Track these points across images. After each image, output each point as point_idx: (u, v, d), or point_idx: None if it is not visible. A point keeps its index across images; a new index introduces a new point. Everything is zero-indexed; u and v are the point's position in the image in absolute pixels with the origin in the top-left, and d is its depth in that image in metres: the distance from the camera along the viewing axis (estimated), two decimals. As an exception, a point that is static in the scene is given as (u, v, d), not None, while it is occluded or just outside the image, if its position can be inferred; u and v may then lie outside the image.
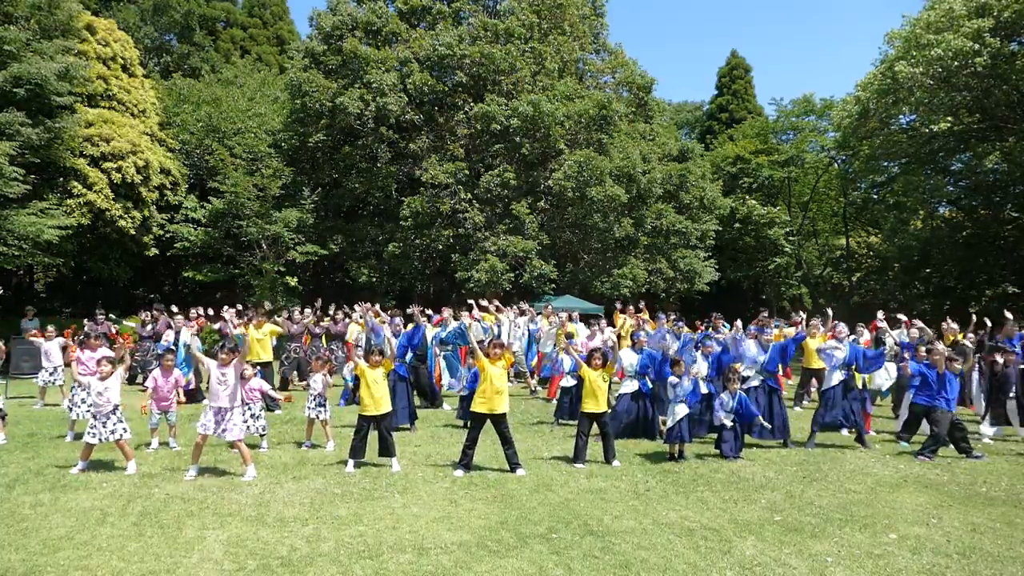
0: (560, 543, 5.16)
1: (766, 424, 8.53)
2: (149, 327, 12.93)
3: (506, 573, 4.62)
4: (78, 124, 16.61)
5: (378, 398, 7.28)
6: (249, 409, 8.00)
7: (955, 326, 12.96)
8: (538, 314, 15.77)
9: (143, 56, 26.54)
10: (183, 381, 8.43)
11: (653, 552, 5.04)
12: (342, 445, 8.37)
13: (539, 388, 13.50)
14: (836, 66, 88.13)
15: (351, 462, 7.23)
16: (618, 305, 14.38)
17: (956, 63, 19.28)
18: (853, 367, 9.21)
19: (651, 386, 9.64)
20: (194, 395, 11.22)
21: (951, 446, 8.94)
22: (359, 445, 7.24)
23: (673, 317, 12.74)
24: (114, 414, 6.95)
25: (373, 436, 7.33)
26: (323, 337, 13.84)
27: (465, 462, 7.17)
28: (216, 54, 32.86)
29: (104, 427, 6.88)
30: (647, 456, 8.22)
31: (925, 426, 9.12)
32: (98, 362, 7.20)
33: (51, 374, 10.53)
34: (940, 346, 9.56)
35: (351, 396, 11.00)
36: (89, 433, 6.89)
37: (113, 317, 14.55)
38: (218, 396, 6.90)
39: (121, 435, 6.94)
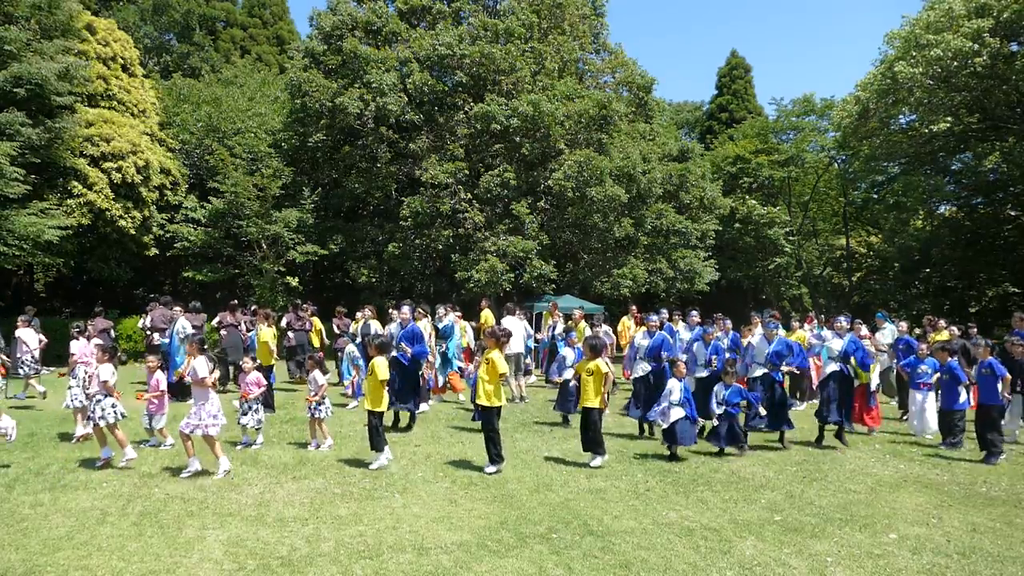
0: (560, 543, 5.17)
1: (755, 413, 8.55)
2: (147, 321, 12.89)
3: (506, 573, 4.62)
4: (78, 124, 16.58)
5: (366, 394, 7.39)
6: (246, 402, 8.02)
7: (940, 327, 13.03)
8: (538, 313, 15.79)
9: (143, 56, 26.52)
10: (162, 384, 8.04)
11: (653, 552, 5.04)
12: (342, 445, 8.38)
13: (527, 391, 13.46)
14: (836, 66, 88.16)
15: (388, 451, 7.32)
16: (634, 308, 14.38)
17: (956, 63, 19.28)
18: (852, 360, 9.23)
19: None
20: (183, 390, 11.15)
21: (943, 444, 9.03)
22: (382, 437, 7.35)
23: (663, 315, 12.79)
24: (101, 398, 7.12)
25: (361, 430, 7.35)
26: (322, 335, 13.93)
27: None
28: (216, 54, 32.83)
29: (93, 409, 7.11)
30: (647, 456, 8.22)
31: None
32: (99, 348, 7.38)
33: (29, 363, 10.51)
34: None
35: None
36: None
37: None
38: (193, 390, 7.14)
39: (101, 420, 7.04)
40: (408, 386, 9.47)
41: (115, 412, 7.12)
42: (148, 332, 12.74)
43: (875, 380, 10.27)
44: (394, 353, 9.38)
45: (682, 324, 11.78)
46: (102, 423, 7.04)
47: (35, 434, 8.67)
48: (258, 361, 8.72)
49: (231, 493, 6.25)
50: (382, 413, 7.32)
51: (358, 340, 12.19)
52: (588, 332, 11.99)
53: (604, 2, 24.66)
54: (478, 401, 7.33)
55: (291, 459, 7.64)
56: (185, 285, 22.97)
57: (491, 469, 7.17)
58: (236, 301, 13.77)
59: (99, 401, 7.12)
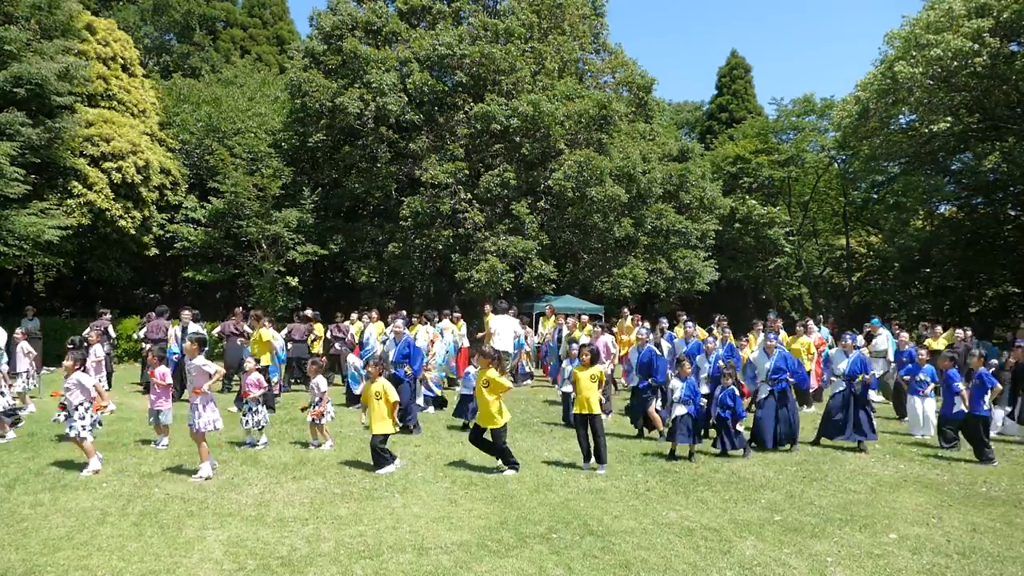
0: (560, 543, 5.17)
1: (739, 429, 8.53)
2: (143, 330, 12.82)
3: (506, 573, 4.62)
4: (78, 124, 16.57)
5: (373, 416, 7.26)
6: (245, 403, 8.02)
7: (939, 330, 13.08)
8: (539, 315, 15.79)
9: (143, 56, 26.50)
10: (167, 378, 8.06)
11: (653, 552, 5.04)
12: (342, 445, 8.38)
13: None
14: (836, 66, 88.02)
15: (397, 460, 7.30)
16: (625, 310, 14.37)
17: (956, 63, 19.27)
18: (860, 376, 9.13)
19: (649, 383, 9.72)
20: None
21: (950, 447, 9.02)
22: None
23: (663, 323, 12.82)
24: (76, 411, 6.85)
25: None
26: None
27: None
28: (216, 54, 32.81)
29: (67, 420, 6.89)
30: (647, 456, 8.22)
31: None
32: (70, 359, 7.11)
33: (23, 378, 10.45)
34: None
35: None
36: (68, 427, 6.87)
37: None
38: (189, 389, 7.04)
39: (79, 433, 6.79)
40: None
41: (90, 425, 6.87)
42: (144, 343, 12.68)
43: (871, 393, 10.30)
44: (392, 371, 9.40)
45: (680, 333, 11.71)
46: (75, 434, 6.81)
47: (35, 434, 8.67)
48: (261, 362, 8.73)
49: (231, 493, 6.25)
50: (387, 436, 7.24)
51: (367, 348, 12.10)
52: (592, 336, 12.01)
53: (604, 2, 24.65)
54: (480, 423, 7.27)
55: (291, 459, 7.64)
56: (185, 285, 22.98)
57: (510, 472, 7.20)
58: (241, 307, 13.70)
59: (86, 409, 6.87)
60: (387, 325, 12.35)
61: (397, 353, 9.81)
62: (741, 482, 7.14)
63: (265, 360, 10.79)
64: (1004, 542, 5.48)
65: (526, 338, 13.84)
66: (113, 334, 13.84)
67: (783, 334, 13.21)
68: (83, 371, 7.09)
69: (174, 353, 11.31)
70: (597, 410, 7.43)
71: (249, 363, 8.28)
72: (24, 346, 10.54)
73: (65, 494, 6.10)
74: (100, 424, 7.23)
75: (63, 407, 6.97)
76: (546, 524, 5.58)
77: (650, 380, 9.51)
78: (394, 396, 7.30)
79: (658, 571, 4.71)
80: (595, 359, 7.56)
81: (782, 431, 8.88)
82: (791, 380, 9.17)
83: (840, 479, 7.36)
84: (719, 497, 6.53)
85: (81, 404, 6.88)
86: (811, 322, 13.47)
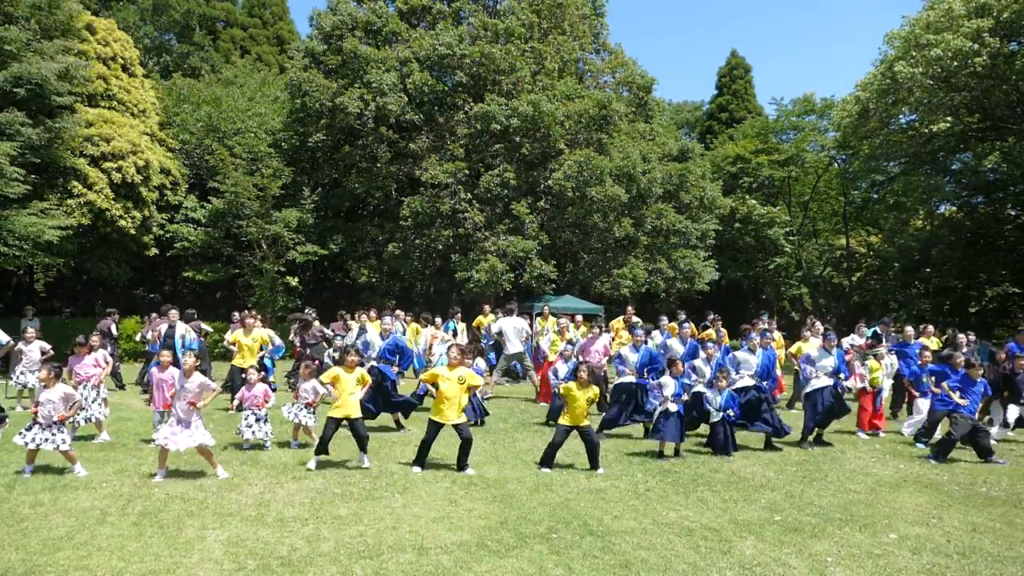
0: (560, 543, 5.17)
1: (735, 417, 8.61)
2: (148, 332, 12.77)
3: (506, 573, 4.62)
4: (78, 124, 16.56)
5: (346, 401, 7.28)
6: (254, 414, 8.00)
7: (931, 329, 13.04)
8: (537, 315, 15.76)
9: (143, 56, 26.51)
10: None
11: (653, 552, 5.04)
12: (340, 446, 8.37)
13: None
14: (836, 66, 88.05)
15: (314, 459, 7.32)
16: (630, 309, 14.34)
17: (956, 63, 19.27)
18: (840, 376, 9.38)
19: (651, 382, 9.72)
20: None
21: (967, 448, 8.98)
22: (323, 444, 7.32)
23: (663, 321, 12.81)
24: (55, 424, 6.70)
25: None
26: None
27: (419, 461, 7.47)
28: (216, 54, 32.83)
29: (42, 432, 6.65)
30: (647, 456, 8.23)
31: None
32: (46, 371, 6.90)
33: (25, 376, 10.44)
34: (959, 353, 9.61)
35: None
36: (20, 434, 6.68)
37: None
38: (177, 405, 6.78)
39: (59, 445, 6.67)
40: (383, 396, 9.45)
41: (62, 439, 6.73)
42: (147, 343, 12.62)
43: (887, 386, 10.32)
44: (373, 363, 9.40)
45: (676, 339, 11.60)
46: (67, 448, 6.72)
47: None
48: (263, 373, 8.70)
49: (231, 493, 6.25)
50: (335, 419, 7.31)
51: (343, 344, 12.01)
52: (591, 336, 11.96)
53: (604, 2, 24.66)
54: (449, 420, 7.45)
55: (291, 459, 7.64)
56: (185, 285, 22.98)
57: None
58: (246, 311, 13.65)
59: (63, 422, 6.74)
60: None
61: (383, 349, 9.81)
62: (741, 482, 7.14)
63: (250, 360, 10.58)
64: (1004, 542, 5.48)
65: (527, 338, 13.83)
66: (116, 333, 13.81)
67: (779, 338, 13.16)
68: (63, 381, 7.00)
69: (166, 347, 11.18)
70: (587, 423, 7.47)
71: (252, 374, 8.27)
72: (43, 345, 10.55)
73: (65, 494, 6.10)
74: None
75: (36, 422, 6.72)
76: (546, 524, 5.58)
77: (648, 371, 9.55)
78: (368, 378, 7.70)
79: (658, 571, 4.71)
80: (596, 380, 7.66)
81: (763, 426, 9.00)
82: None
83: (840, 479, 7.36)
84: (719, 497, 6.53)
85: (58, 416, 6.72)
86: (817, 323, 13.41)
